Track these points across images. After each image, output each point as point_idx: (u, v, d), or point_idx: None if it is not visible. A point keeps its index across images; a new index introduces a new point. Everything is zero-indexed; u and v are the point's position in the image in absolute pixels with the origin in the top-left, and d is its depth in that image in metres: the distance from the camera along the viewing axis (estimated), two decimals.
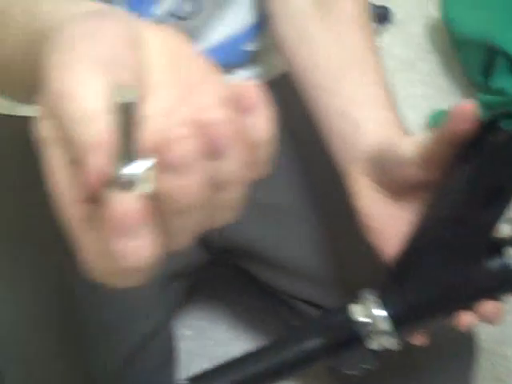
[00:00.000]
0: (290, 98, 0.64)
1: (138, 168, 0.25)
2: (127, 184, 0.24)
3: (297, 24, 0.53)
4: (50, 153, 0.26)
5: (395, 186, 0.42)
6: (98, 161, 0.24)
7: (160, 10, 0.57)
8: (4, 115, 0.61)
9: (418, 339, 0.43)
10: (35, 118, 0.27)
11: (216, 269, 0.69)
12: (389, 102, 0.48)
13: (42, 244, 0.57)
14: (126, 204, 0.24)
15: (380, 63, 0.50)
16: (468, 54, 1.11)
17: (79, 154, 0.25)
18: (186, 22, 0.58)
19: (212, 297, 0.81)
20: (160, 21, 0.57)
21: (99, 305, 0.56)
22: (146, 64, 0.28)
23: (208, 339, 0.80)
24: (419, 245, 0.41)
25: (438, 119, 1.04)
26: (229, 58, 0.63)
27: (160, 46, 0.29)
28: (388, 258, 0.43)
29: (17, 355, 0.57)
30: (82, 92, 0.25)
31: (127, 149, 0.24)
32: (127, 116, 0.23)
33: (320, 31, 0.51)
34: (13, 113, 0.61)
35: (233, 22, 0.61)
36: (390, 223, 0.43)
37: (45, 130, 0.26)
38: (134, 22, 0.30)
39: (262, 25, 0.63)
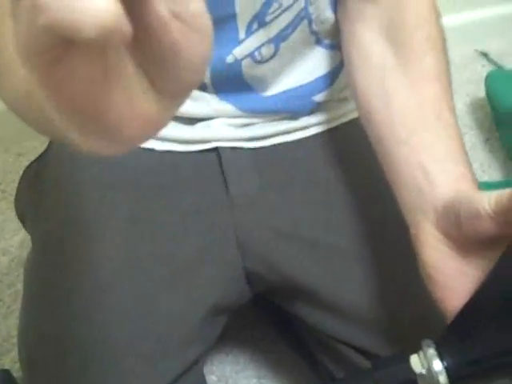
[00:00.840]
0: (352, 144, 0.66)
1: None
2: None
3: (376, 75, 0.54)
4: None
5: (465, 240, 0.43)
6: None
7: (239, 52, 0.59)
8: None
9: None
10: None
11: (253, 310, 0.68)
12: (464, 158, 0.48)
13: None
14: None
15: (456, 120, 0.51)
16: (510, 131, 1.13)
17: None
18: (261, 65, 0.60)
19: (243, 341, 0.79)
20: (236, 61, 0.59)
21: (137, 335, 0.56)
22: None
23: None
24: (483, 302, 0.41)
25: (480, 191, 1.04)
26: (296, 106, 0.64)
27: None
28: (449, 311, 0.43)
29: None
30: None
31: None
32: None
33: (400, 86, 0.52)
34: None
35: (305, 71, 0.63)
36: (455, 277, 0.43)
37: None
38: None
39: (333, 77, 0.65)
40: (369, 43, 0.56)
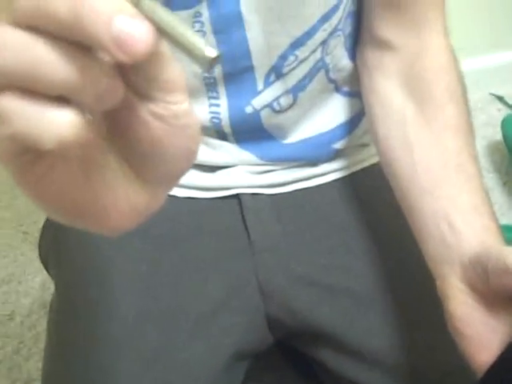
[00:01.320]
0: (372, 190, 0.66)
1: None
2: None
3: (398, 126, 0.55)
4: None
5: (492, 295, 0.43)
6: None
7: (258, 103, 0.60)
8: None
9: None
10: None
11: (275, 353, 0.67)
12: (488, 210, 0.48)
13: None
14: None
15: (479, 170, 0.51)
16: None
17: None
18: (280, 114, 0.61)
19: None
20: (255, 111, 0.60)
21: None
22: None
23: None
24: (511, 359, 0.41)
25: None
26: (316, 154, 0.65)
27: None
28: (478, 365, 0.42)
29: None
30: None
31: None
32: None
33: (422, 135, 0.53)
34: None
35: (325, 119, 0.64)
36: (483, 332, 0.43)
37: None
38: None
39: (353, 124, 0.66)
40: (389, 92, 0.57)
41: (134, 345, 0.56)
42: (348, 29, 0.60)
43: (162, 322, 0.58)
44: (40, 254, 0.74)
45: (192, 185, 0.64)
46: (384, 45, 0.57)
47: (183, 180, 0.54)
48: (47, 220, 0.72)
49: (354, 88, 0.64)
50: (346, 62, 0.62)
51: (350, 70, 0.62)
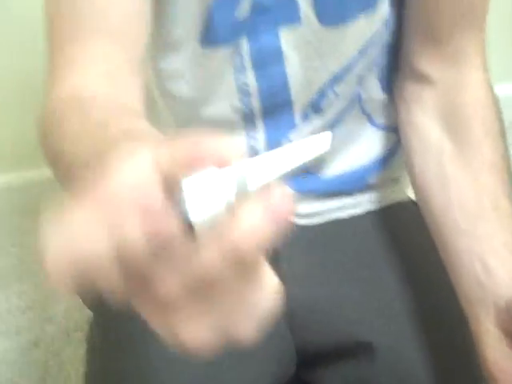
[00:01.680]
0: (404, 224, 0.66)
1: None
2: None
3: (435, 161, 0.55)
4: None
5: None
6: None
7: (294, 136, 0.60)
8: None
9: None
10: None
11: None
12: None
13: None
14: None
15: None
16: None
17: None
18: None
19: None
20: None
21: None
22: None
23: None
24: None
25: None
26: (350, 187, 0.65)
27: None
28: None
29: None
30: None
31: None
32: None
33: (458, 172, 0.53)
34: None
35: (360, 153, 0.64)
36: None
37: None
38: None
39: (387, 159, 0.66)
40: (427, 126, 0.57)
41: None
42: (383, 61, 0.60)
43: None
44: None
45: None
46: (423, 78, 0.58)
47: None
48: None
49: (388, 121, 0.64)
50: (378, 93, 0.62)
51: (382, 100, 0.63)
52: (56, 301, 1.10)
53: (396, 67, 0.61)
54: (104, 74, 0.46)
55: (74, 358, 0.98)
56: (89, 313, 0.66)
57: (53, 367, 0.97)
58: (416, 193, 0.58)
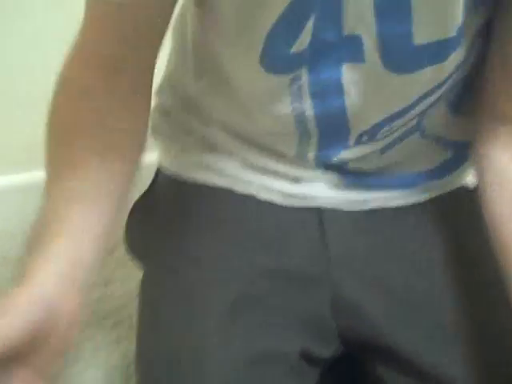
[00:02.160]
0: (456, 215, 0.66)
1: None
2: None
3: (510, 197, 0.55)
4: None
5: None
6: None
7: (345, 156, 0.61)
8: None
9: None
10: None
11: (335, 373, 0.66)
12: None
13: None
14: None
15: None
16: None
17: None
18: (365, 163, 0.63)
19: None
20: (342, 161, 0.62)
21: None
22: None
23: None
24: None
25: None
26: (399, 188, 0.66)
27: None
28: None
29: None
30: None
31: None
32: None
33: None
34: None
35: (410, 166, 0.65)
36: None
37: None
38: None
39: (439, 173, 0.67)
40: (504, 162, 0.56)
41: (219, 341, 0.57)
42: (452, 95, 0.60)
43: (242, 315, 0.59)
44: (126, 245, 0.75)
45: (275, 189, 0.64)
46: (504, 118, 0.57)
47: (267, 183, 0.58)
48: (131, 212, 0.72)
49: (452, 137, 0.64)
50: (445, 118, 0.62)
51: (447, 122, 0.63)
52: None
53: (469, 93, 0.60)
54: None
55: None
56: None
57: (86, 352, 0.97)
58: (488, 224, 0.57)
